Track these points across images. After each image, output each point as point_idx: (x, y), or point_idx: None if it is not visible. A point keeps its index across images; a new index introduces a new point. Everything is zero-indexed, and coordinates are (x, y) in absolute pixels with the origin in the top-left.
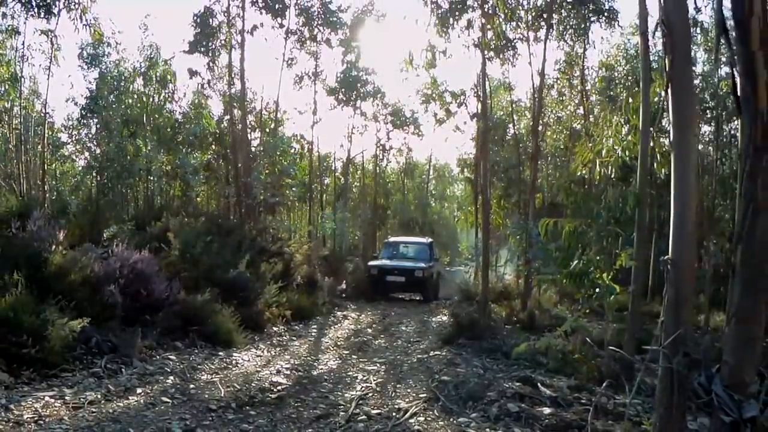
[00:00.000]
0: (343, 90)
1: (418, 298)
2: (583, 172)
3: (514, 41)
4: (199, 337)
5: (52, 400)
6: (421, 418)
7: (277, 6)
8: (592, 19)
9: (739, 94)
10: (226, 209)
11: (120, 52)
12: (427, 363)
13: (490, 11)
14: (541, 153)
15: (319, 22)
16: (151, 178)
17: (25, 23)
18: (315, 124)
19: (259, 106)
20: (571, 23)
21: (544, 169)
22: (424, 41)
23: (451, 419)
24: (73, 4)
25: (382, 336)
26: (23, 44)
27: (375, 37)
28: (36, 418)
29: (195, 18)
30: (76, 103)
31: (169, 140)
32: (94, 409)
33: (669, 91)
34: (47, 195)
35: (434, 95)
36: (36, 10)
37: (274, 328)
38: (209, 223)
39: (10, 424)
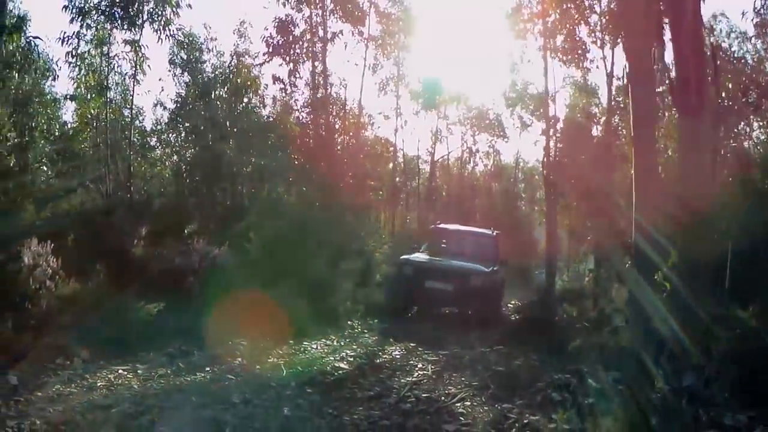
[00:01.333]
0: (426, 94)
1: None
2: None
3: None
4: (273, 327)
5: (125, 373)
6: (468, 403)
7: (356, 13)
8: None
9: None
10: (311, 211)
11: (218, 57)
12: (488, 356)
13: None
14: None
15: (398, 29)
16: (241, 181)
17: (109, 35)
18: (400, 128)
19: (342, 110)
20: None
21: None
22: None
23: (496, 405)
24: (155, 16)
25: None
26: (109, 53)
27: (456, 41)
28: (108, 385)
29: (276, 26)
30: (165, 108)
31: (255, 143)
32: (162, 381)
33: None
34: (133, 195)
35: (518, 99)
36: (120, 22)
37: (348, 322)
38: (292, 222)
39: (84, 389)
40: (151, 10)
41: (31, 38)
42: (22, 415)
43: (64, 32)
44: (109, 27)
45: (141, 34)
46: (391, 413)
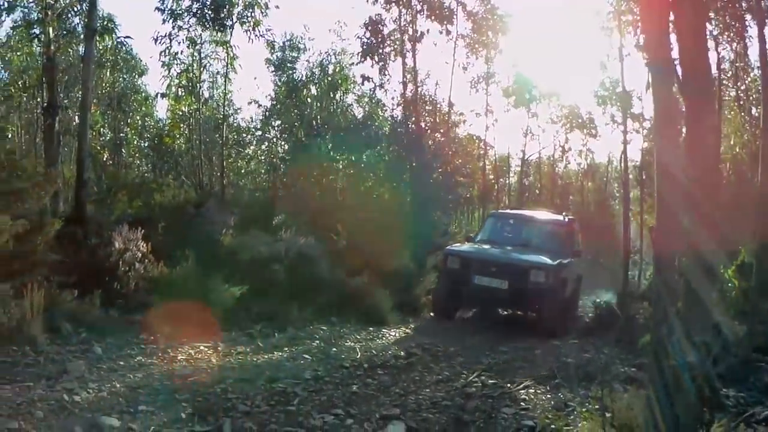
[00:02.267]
0: (516, 92)
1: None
2: None
3: None
4: (354, 315)
5: (206, 349)
6: (531, 390)
7: (444, 12)
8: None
9: None
10: (401, 206)
11: (312, 56)
12: (560, 348)
13: None
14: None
15: (486, 27)
16: (332, 176)
17: (200, 35)
18: (491, 125)
19: (433, 107)
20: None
21: None
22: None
23: (559, 394)
24: (245, 18)
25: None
26: (200, 53)
27: (546, 38)
28: (187, 359)
29: (366, 26)
30: (259, 105)
31: (346, 140)
32: (240, 357)
33: None
34: (226, 189)
35: (608, 97)
36: (210, 23)
37: (431, 314)
38: (380, 217)
39: (165, 360)
40: (240, 12)
41: (121, 38)
42: (103, 379)
43: (158, 32)
44: (200, 28)
45: (231, 35)
46: (454, 395)
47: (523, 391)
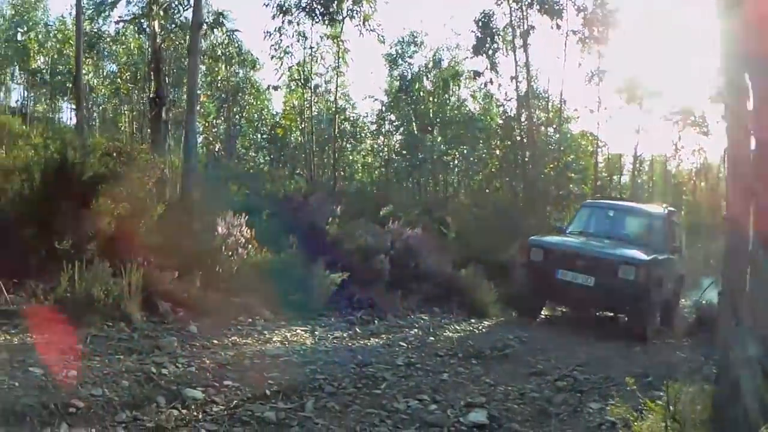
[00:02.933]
0: (629, 89)
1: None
2: None
3: None
4: (457, 306)
5: (302, 332)
6: (622, 387)
7: (554, 7)
8: None
9: None
10: (513, 200)
11: (426, 52)
12: (658, 347)
13: None
14: None
15: (597, 22)
16: (444, 169)
17: (311, 29)
18: (603, 122)
19: (545, 103)
20: None
21: None
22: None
23: (647, 393)
24: (354, 13)
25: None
26: (311, 47)
27: (659, 35)
28: (282, 340)
29: (477, 22)
30: (375, 100)
31: (460, 135)
32: (335, 341)
33: None
34: (337, 181)
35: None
36: (320, 18)
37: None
38: (491, 212)
39: (259, 341)
40: (350, 6)
41: (231, 32)
42: (193, 355)
43: (266, 27)
44: (309, 22)
45: (342, 29)
46: (544, 388)
47: (614, 388)
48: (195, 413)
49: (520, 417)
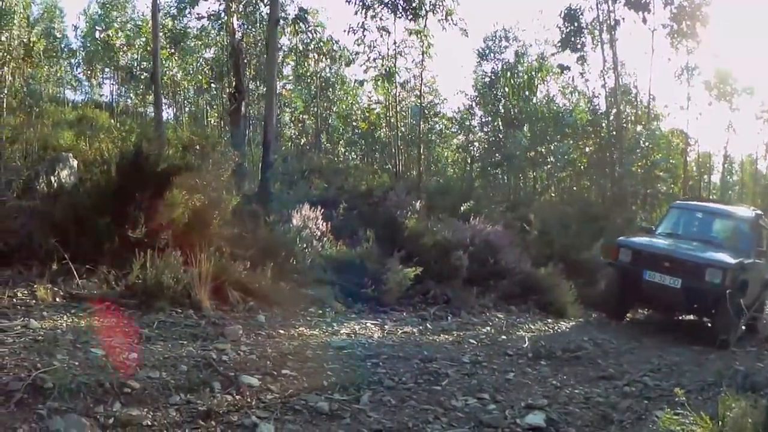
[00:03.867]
0: (719, 85)
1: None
2: None
3: None
4: (535, 305)
5: (372, 325)
6: (693, 396)
7: (642, 1)
8: None
9: None
10: (600, 199)
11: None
12: (735, 355)
13: None
14: None
15: (685, 15)
16: (530, 166)
17: (394, 24)
18: (694, 119)
19: (634, 99)
20: None
21: None
22: None
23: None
24: (437, 8)
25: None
26: (395, 42)
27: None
28: (350, 333)
29: (563, 16)
30: (466, 95)
31: (548, 131)
32: (403, 336)
33: None
34: (422, 176)
35: None
36: (403, 13)
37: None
38: (576, 210)
39: (326, 333)
40: (432, 1)
41: (313, 27)
42: (257, 344)
43: (350, 24)
44: (393, 17)
45: (425, 24)
46: (611, 393)
47: (680, 392)
48: (249, 400)
49: (580, 422)
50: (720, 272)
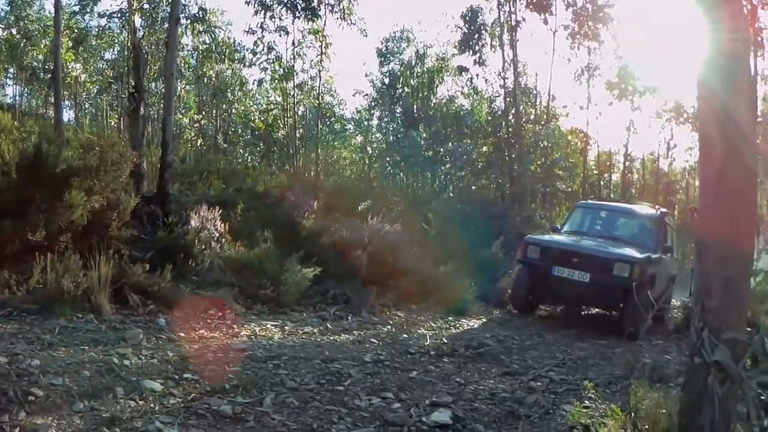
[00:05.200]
0: (620, 85)
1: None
2: None
3: None
4: (435, 303)
5: (272, 327)
6: (601, 390)
7: (543, 2)
8: None
9: None
10: (499, 197)
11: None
12: (642, 348)
13: None
14: None
15: (587, 17)
16: (429, 166)
17: (293, 24)
18: (594, 119)
19: (533, 99)
20: None
21: None
22: None
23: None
24: (335, 7)
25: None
26: (293, 43)
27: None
28: (250, 335)
29: (463, 17)
30: (365, 96)
31: (446, 131)
32: (304, 337)
33: None
34: (319, 176)
35: None
36: (301, 12)
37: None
38: (474, 208)
39: (227, 335)
40: (330, 1)
41: (213, 27)
42: (158, 348)
43: (249, 23)
44: (291, 17)
45: (325, 24)
46: (517, 388)
47: (593, 391)
48: (152, 405)
49: (486, 418)
50: (628, 266)
